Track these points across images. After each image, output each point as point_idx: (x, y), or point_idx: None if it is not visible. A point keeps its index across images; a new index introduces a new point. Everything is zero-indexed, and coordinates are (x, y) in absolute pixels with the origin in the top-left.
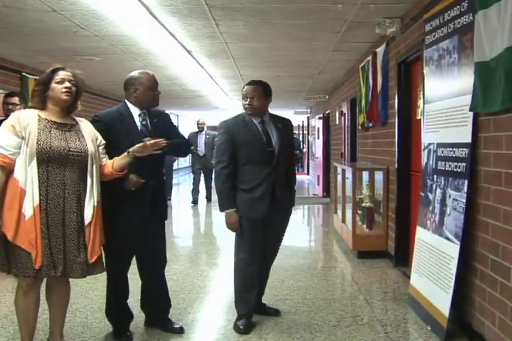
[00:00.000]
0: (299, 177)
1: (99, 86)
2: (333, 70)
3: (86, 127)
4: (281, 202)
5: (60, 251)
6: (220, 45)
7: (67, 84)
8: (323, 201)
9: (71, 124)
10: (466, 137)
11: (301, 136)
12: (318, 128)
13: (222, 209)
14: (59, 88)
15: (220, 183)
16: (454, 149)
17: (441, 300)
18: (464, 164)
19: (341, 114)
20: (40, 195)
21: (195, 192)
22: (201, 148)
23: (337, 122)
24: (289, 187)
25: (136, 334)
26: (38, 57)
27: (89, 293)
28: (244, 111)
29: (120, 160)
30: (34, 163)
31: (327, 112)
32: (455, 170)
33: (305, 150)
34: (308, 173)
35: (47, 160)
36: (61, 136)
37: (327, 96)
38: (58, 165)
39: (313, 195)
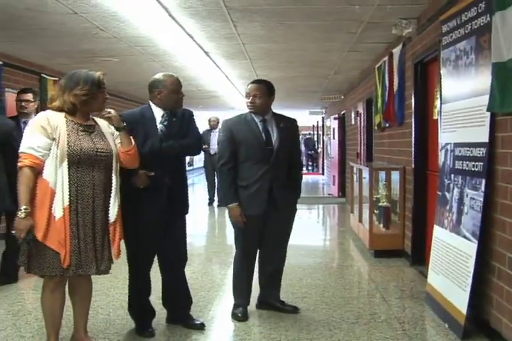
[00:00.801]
0: (314, 177)
1: (117, 87)
2: (349, 70)
3: (104, 126)
4: (279, 203)
5: (91, 250)
6: (237, 46)
7: (107, 95)
8: (339, 201)
9: (93, 125)
10: (484, 137)
11: (315, 136)
12: (334, 129)
13: (225, 204)
14: (103, 98)
15: (222, 179)
16: (472, 149)
17: (458, 298)
18: (482, 163)
19: (357, 114)
20: (70, 195)
21: (210, 192)
22: (213, 146)
23: (353, 122)
24: (291, 187)
25: (158, 331)
26: (57, 59)
27: (110, 290)
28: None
29: (120, 140)
30: (65, 164)
31: (342, 112)
32: (472, 169)
33: (320, 150)
34: (323, 173)
35: (77, 161)
36: (88, 137)
37: (342, 97)
38: (87, 166)
39: (329, 194)
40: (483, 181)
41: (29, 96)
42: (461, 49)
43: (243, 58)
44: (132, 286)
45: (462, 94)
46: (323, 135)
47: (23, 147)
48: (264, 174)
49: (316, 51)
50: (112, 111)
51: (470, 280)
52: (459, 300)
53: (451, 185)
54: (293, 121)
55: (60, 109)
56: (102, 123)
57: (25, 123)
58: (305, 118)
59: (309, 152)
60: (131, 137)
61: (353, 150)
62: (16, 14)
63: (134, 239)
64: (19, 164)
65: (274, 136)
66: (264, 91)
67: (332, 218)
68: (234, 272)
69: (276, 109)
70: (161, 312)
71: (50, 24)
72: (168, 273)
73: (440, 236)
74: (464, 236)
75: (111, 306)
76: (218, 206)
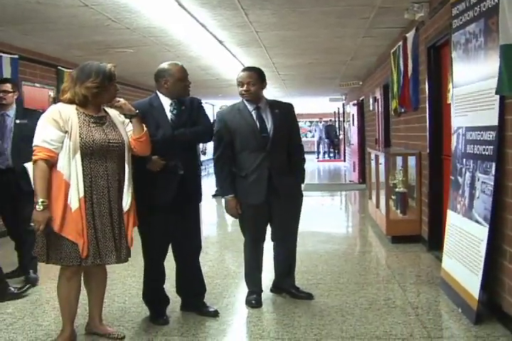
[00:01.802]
0: (335, 164)
1: (134, 77)
2: (366, 56)
3: (115, 115)
4: (280, 190)
5: (110, 239)
6: (250, 34)
7: (117, 86)
8: (360, 187)
9: (104, 116)
10: (493, 120)
11: (337, 123)
12: (353, 115)
13: (221, 195)
14: (114, 90)
15: (218, 170)
16: (482, 132)
17: (471, 282)
18: (492, 147)
19: (375, 99)
20: (84, 186)
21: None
22: None
23: (371, 108)
24: (291, 173)
25: (172, 318)
26: (72, 51)
27: (127, 279)
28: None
29: (133, 127)
30: (78, 156)
31: (361, 98)
32: (483, 153)
33: (341, 137)
34: (344, 160)
35: (90, 153)
36: (99, 128)
37: (361, 83)
38: (100, 157)
39: (350, 181)
40: (494, 165)
41: (7, 86)
42: (470, 32)
43: (258, 46)
44: (147, 274)
45: (472, 78)
46: (343, 122)
47: (37, 140)
48: (261, 162)
49: (330, 37)
50: (121, 99)
51: (482, 265)
52: (472, 284)
53: (463, 170)
54: (289, 106)
55: (71, 101)
56: (113, 114)
57: (4, 115)
58: (326, 105)
59: (328, 139)
60: (143, 124)
61: (372, 136)
62: (28, 8)
63: (147, 228)
64: (34, 157)
65: (269, 123)
66: (256, 78)
67: (352, 204)
68: (245, 263)
69: (296, 96)
70: (175, 300)
71: (61, 17)
72: (183, 262)
73: (453, 220)
74: (476, 221)
75: (127, 294)
76: (213, 196)
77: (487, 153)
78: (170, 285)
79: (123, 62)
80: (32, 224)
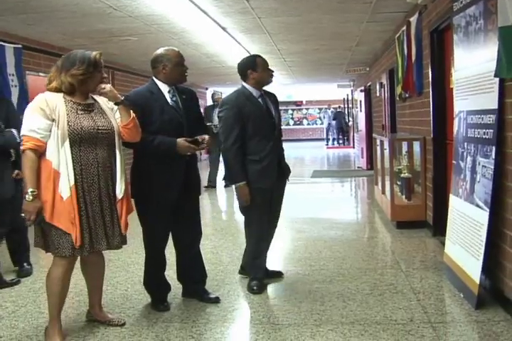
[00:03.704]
0: (344, 150)
1: (139, 65)
2: (371, 42)
3: (103, 102)
4: (286, 172)
5: (100, 226)
6: (253, 20)
7: (104, 74)
8: (367, 173)
9: (92, 104)
10: (493, 103)
11: (346, 110)
12: (361, 101)
13: (232, 183)
14: (99, 77)
15: (232, 157)
16: (482, 116)
17: (472, 267)
18: (492, 131)
19: (381, 85)
20: (75, 175)
21: (211, 174)
22: (217, 123)
23: (377, 94)
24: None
25: (173, 305)
26: (76, 40)
27: (130, 266)
28: (246, 86)
29: (120, 114)
30: (67, 144)
31: (368, 84)
32: (483, 136)
33: (350, 123)
34: (353, 147)
35: (79, 140)
36: (88, 116)
37: (368, 68)
38: (89, 145)
39: (358, 167)
40: (494, 148)
41: None
42: (470, 14)
43: (261, 32)
44: (147, 262)
45: (472, 61)
46: (352, 108)
47: (24, 130)
48: (272, 147)
49: (333, 23)
50: (107, 86)
51: (483, 249)
52: (473, 269)
53: (465, 154)
54: (275, 96)
55: (57, 90)
56: (102, 100)
57: None
58: (335, 91)
59: (337, 125)
60: (130, 111)
61: (379, 122)
62: None
63: (148, 217)
64: (22, 147)
65: (272, 110)
66: None
67: (359, 190)
68: (250, 247)
69: (304, 83)
70: (177, 287)
71: (63, 5)
72: (183, 249)
73: (455, 205)
74: (477, 205)
75: (129, 282)
76: (226, 186)
77: (487, 137)
78: (172, 272)
79: (128, 50)
80: (22, 214)
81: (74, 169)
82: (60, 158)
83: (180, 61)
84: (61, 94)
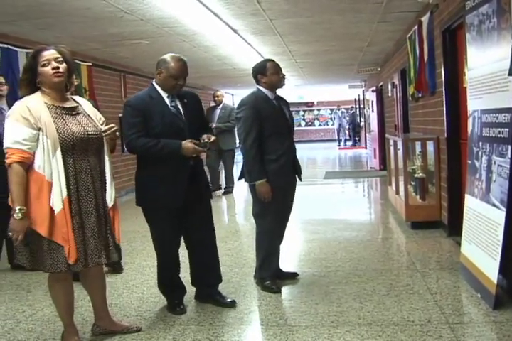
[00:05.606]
0: (357, 151)
1: (150, 69)
2: (382, 42)
3: (86, 106)
4: (298, 170)
5: (98, 238)
6: (264, 22)
7: (53, 64)
8: (380, 174)
9: (76, 106)
10: (508, 102)
11: (357, 111)
12: (373, 101)
13: (253, 180)
14: (47, 71)
15: (251, 156)
16: (497, 115)
17: (489, 267)
18: (507, 129)
19: (393, 85)
20: (69, 185)
21: (213, 178)
22: (216, 124)
23: (389, 94)
24: None
25: (189, 308)
26: (88, 44)
27: (145, 269)
28: (261, 89)
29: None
30: (59, 153)
31: (380, 85)
32: (499, 135)
33: (362, 124)
34: (366, 147)
35: (72, 148)
36: (74, 120)
37: (379, 69)
38: (82, 151)
39: (371, 168)
40: (510, 147)
41: (1, 78)
42: (483, 13)
43: (272, 34)
44: (159, 265)
45: (486, 60)
46: (364, 108)
47: (8, 142)
48: (287, 146)
49: (344, 23)
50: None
51: (500, 249)
52: (490, 269)
53: (480, 153)
54: (285, 99)
55: (32, 91)
56: (83, 102)
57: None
58: (346, 92)
59: (352, 127)
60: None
61: (392, 122)
62: (43, 2)
63: (155, 224)
64: (7, 161)
65: (286, 111)
66: None
67: (372, 191)
68: (264, 249)
69: (315, 83)
70: (192, 289)
71: (75, 10)
72: (195, 253)
73: (471, 205)
74: (493, 204)
75: (145, 284)
76: (245, 180)
77: (502, 136)
78: (187, 275)
79: (139, 54)
80: (9, 233)
81: (67, 179)
82: (53, 168)
83: (176, 74)
84: (40, 99)
